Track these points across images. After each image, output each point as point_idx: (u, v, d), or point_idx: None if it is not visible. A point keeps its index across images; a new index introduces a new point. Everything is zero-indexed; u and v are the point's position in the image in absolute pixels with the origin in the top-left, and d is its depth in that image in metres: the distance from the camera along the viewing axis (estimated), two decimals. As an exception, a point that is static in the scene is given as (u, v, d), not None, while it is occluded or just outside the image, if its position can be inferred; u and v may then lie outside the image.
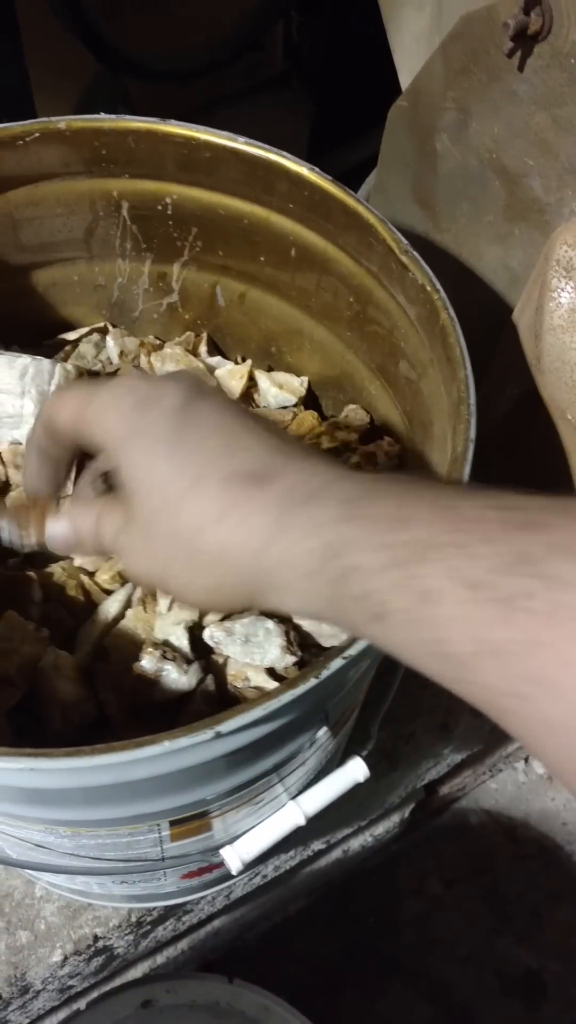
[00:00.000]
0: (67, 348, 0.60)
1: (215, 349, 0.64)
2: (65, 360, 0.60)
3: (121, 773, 0.36)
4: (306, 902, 1.07)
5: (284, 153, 0.50)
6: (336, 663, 0.33)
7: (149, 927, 0.75)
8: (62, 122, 0.51)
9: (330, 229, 0.51)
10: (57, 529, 0.36)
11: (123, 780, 0.37)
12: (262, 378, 0.60)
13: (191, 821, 0.46)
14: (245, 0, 0.79)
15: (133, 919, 0.69)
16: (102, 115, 0.51)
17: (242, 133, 0.96)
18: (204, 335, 0.62)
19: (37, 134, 0.51)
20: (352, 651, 0.34)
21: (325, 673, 0.33)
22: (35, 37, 0.65)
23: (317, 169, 0.50)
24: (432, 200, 0.59)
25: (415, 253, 0.47)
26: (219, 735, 0.32)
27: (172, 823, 0.46)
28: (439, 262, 0.47)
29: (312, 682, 0.33)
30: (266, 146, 0.50)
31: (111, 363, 0.61)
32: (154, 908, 0.70)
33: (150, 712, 0.49)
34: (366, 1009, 1.05)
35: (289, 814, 0.47)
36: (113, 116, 0.51)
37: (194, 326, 0.63)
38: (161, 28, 0.71)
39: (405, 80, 0.63)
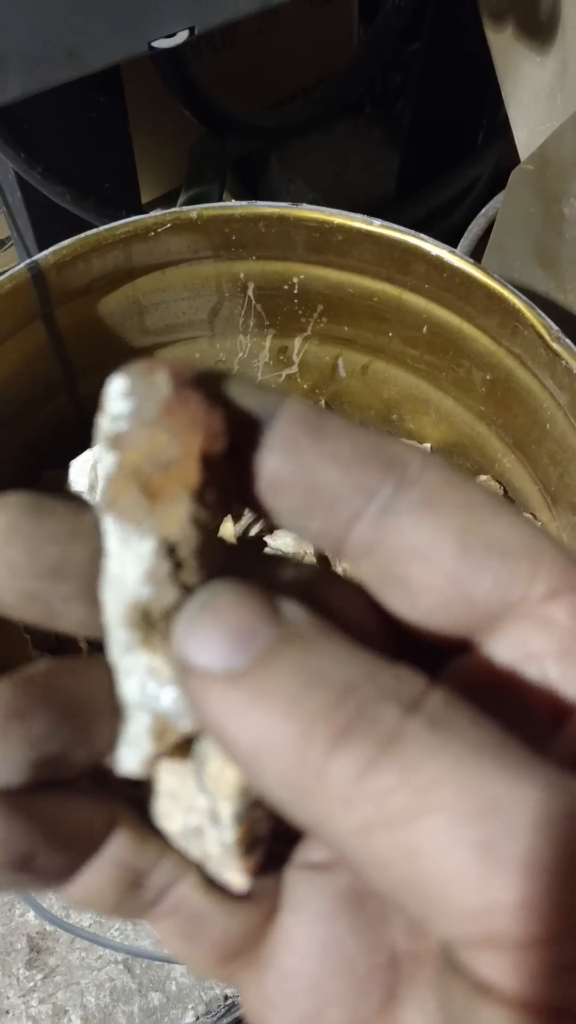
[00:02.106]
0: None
1: (332, 415, 0.63)
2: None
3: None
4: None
5: (423, 236, 0.49)
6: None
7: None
8: (194, 211, 0.50)
9: (468, 310, 0.50)
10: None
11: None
12: (385, 447, 0.60)
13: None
14: (343, 44, 0.78)
15: (260, 978, 0.70)
16: (233, 203, 0.50)
17: (320, 164, 0.95)
18: (322, 403, 0.62)
19: (169, 224, 0.50)
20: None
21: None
22: (138, 107, 0.64)
23: (457, 252, 0.49)
24: (556, 262, 0.58)
25: (567, 340, 0.46)
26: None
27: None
28: (563, 323, 0.46)
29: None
30: (403, 228, 0.49)
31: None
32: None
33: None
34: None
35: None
36: (244, 203, 0.50)
37: (311, 394, 0.62)
38: (262, 88, 0.70)
39: (521, 135, 0.61)
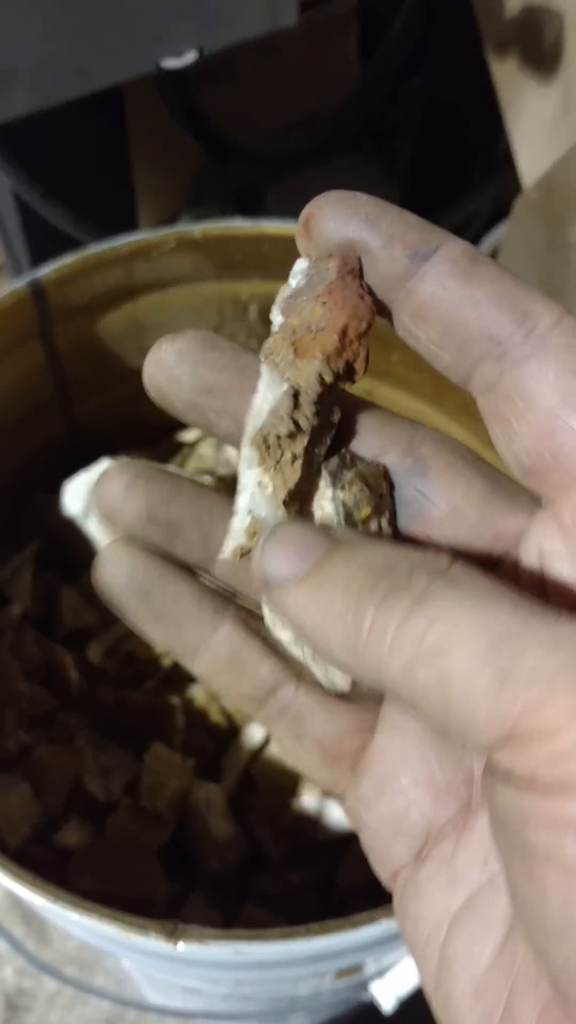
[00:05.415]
0: (184, 451, 0.58)
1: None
2: (183, 463, 0.58)
3: (337, 950, 0.33)
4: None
5: (430, 257, 0.48)
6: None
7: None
8: (197, 230, 0.49)
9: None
10: None
11: (331, 953, 0.34)
12: (387, 475, 0.58)
13: (358, 967, 0.44)
14: (342, 79, 0.79)
15: (252, 1037, 0.66)
16: (237, 222, 0.50)
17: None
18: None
19: (172, 244, 0.49)
20: None
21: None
22: (139, 134, 0.64)
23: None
24: (563, 289, 0.57)
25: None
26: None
27: (341, 970, 0.43)
28: None
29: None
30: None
31: (230, 464, 0.59)
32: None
33: (310, 850, 0.46)
34: None
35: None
36: (249, 223, 0.50)
37: (312, 421, 0.61)
38: (261, 123, 0.70)
39: (525, 165, 0.61)
